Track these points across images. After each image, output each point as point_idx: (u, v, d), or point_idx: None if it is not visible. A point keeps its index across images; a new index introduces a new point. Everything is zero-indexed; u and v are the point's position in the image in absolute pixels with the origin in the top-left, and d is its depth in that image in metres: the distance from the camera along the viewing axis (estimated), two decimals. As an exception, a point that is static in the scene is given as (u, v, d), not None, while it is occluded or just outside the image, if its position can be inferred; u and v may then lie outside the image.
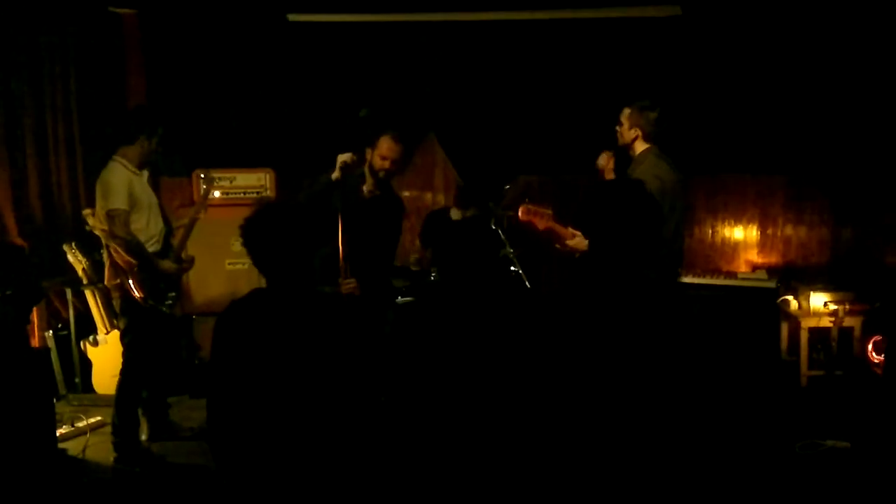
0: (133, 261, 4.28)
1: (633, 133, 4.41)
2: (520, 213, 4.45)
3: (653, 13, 5.89)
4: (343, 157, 4.19)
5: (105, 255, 4.48)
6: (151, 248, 4.41)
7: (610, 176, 4.68)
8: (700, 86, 5.92)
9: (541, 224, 4.38)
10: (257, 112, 6.31)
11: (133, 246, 4.28)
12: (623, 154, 4.56)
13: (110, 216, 4.26)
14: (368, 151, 4.41)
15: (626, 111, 4.45)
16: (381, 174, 4.42)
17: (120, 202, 4.26)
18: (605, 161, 4.74)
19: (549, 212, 4.36)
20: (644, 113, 4.40)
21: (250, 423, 2.50)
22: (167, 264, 4.47)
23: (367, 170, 4.45)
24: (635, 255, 2.82)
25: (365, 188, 4.48)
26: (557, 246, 4.35)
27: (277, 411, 2.49)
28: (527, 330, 5.42)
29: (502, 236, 5.40)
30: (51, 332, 5.42)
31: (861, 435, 4.39)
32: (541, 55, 6.11)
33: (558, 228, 4.30)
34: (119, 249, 4.29)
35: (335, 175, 4.19)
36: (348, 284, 4.07)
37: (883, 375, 5.07)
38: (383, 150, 4.36)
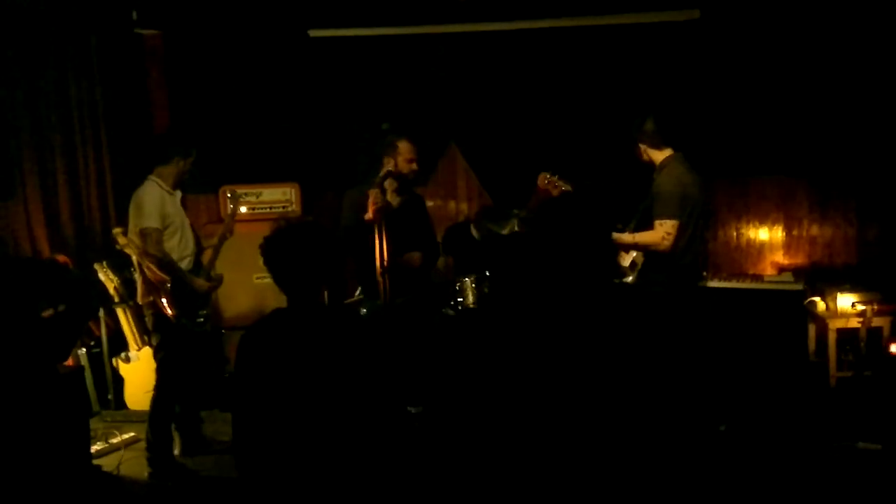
0: (165, 278, 4.35)
1: (643, 148, 4.58)
2: (539, 181, 4.74)
3: (672, 17, 5.89)
4: (374, 199, 4.19)
5: (137, 273, 4.54)
6: (184, 266, 4.48)
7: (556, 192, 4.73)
8: (721, 89, 5.91)
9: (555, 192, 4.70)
10: (281, 127, 6.40)
11: (166, 264, 4.35)
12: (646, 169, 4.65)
13: (143, 234, 4.33)
14: (390, 161, 4.48)
15: (635, 138, 4.61)
16: (411, 176, 4.57)
17: (153, 221, 4.34)
18: (542, 182, 4.76)
19: (569, 187, 4.69)
20: (642, 130, 4.55)
21: (274, 440, 2.53)
22: (199, 282, 4.53)
23: (390, 180, 4.46)
24: (590, 262, 2.90)
25: (392, 200, 4.48)
26: None
27: (299, 428, 2.52)
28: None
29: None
30: (84, 349, 5.48)
31: (892, 436, 4.36)
32: (560, 62, 6.12)
33: None
34: (152, 267, 4.36)
35: (368, 217, 4.19)
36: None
37: None
38: (407, 154, 4.50)
